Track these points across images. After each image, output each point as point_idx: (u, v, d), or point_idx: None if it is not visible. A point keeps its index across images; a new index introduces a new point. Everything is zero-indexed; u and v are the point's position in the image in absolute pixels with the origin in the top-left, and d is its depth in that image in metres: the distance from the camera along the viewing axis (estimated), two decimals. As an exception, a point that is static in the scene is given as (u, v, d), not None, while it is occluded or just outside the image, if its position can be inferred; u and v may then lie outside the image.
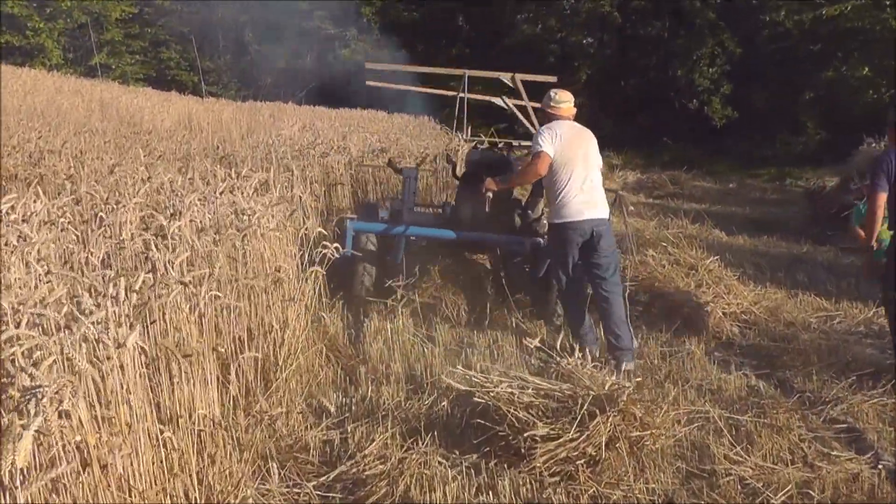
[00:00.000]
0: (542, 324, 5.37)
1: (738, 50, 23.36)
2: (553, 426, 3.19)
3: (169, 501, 2.38)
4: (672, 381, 4.42)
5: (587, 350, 4.12)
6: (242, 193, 4.22)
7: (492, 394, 3.31)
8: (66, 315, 2.25)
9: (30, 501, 1.88)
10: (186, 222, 3.36)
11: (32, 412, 1.88)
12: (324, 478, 3.14)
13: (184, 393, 2.55)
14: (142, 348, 2.34)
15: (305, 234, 4.21)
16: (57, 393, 1.93)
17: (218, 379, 2.80)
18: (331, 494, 3.07)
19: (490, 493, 3.07)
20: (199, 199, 3.82)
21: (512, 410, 3.25)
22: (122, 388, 2.18)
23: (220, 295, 2.86)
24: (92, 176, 5.22)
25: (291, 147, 8.49)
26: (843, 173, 10.91)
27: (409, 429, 3.49)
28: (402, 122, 19.34)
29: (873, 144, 11.19)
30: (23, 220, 3.18)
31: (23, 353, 2.01)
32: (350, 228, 5.64)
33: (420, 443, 3.33)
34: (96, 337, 2.18)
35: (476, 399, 3.31)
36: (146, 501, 2.27)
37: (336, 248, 3.68)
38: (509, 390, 3.31)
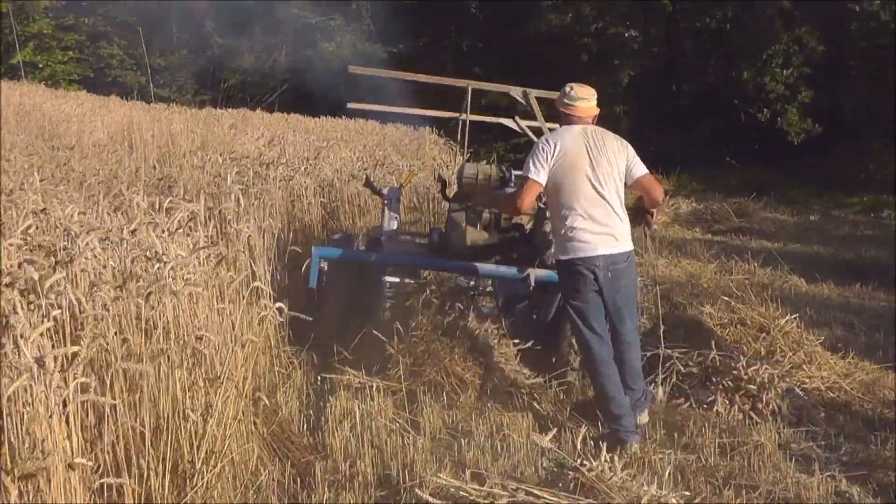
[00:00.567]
0: (559, 412, 5.16)
1: (820, 47, 23.33)
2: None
3: None
4: (735, 488, 4.19)
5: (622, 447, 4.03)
6: (166, 233, 4.02)
7: (485, 513, 3.06)
8: None
9: None
10: (76, 272, 3.15)
11: None
12: None
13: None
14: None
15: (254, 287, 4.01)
16: None
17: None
18: None
19: None
20: (101, 240, 3.61)
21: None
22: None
23: (89, 382, 2.61)
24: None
25: (250, 166, 8.39)
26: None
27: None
28: (398, 134, 19.43)
29: None
30: None
31: None
32: (315, 256, 5.67)
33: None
34: None
35: (463, 521, 3.06)
36: None
37: (279, 308, 3.48)
38: (510, 508, 3.07)
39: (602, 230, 4.77)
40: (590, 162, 4.79)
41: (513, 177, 6.14)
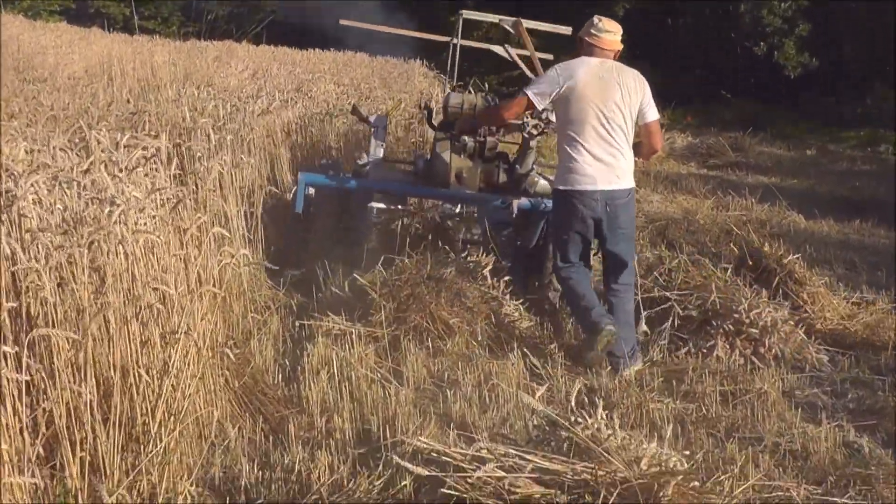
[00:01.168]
0: (551, 363, 4.88)
1: (820, -21, 22.84)
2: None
3: None
4: (738, 441, 3.97)
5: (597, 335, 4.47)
6: (121, 171, 3.64)
7: (471, 480, 2.78)
8: None
9: None
10: (13, 216, 2.80)
11: None
12: None
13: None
14: None
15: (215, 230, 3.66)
16: None
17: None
18: None
19: None
20: (48, 181, 3.25)
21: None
22: None
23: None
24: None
25: (228, 100, 7.98)
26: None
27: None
28: (387, 67, 18.99)
29: None
30: None
31: None
32: (301, 182, 5.75)
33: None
34: None
35: (446, 491, 2.77)
36: None
37: (245, 255, 3.15)
38: (498, 474, 2.79)
39: (604, 165, 4.77)
40: (600, 95, 4.76)
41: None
